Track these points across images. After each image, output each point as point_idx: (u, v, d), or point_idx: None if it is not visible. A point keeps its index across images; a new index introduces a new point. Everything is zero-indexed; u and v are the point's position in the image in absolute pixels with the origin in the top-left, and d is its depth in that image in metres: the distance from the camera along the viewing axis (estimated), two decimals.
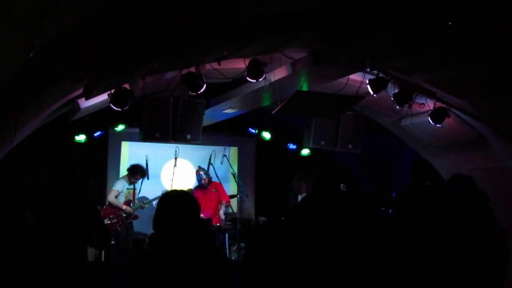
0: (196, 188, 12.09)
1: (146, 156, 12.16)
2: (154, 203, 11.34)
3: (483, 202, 5.71)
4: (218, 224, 11.69)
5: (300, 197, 10.58)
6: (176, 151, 12.18)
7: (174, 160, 12.14)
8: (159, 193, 11.77)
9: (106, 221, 10.78)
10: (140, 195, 11.82)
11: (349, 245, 5.18)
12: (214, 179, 12.30)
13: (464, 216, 5.49)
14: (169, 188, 11.85)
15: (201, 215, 10.78)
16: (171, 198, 4.08)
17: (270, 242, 5.07)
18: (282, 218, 5.58)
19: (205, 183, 11.98)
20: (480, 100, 9.01)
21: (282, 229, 5.12)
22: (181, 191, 4.23)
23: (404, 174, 13.38)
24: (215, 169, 12.33)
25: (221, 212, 11.95)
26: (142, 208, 11.60)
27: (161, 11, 5.40)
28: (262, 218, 12.18)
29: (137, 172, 11.46)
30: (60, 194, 5.62)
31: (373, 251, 5.19)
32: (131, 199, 11.41)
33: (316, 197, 5.66)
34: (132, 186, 11.47)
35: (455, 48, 7.20)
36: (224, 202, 11.93)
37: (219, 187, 12.22)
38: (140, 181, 11.63)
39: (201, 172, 11.98)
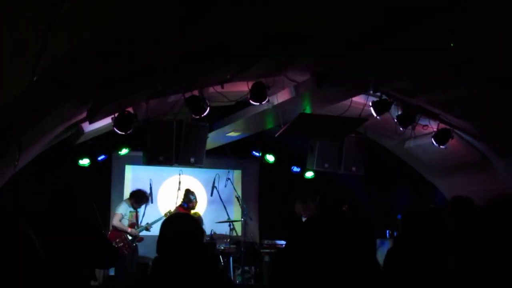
0: (181, 208, 11.77)
1: (150, 179, 12.15)
2: (158, 224, 11.29)
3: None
4: (222, 247, 11.65)
5: (304, 220, 10.56)
6: (180, 174, 12.22)
7: (171, 178, 12.08)
8: (162, 214, 11.81)
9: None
10: (144, 217, 11.77)
11: (356, 267, 5.14)
12: (218, 202, 12.28)
13: (466, 239, 5.46)
14: (172, 210, 11.80)
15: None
16: (174, 221, 4.07)
17: (291, 266, 5.04)
18: (290, 241, 5.55)
19: (193, 206, 11.85)
20: (483, 121, 9.02)
21: (295, 253, 5.08)
22: (185, 214, 4.23)
23: (406, 196, 13.45)
24: (219, 192, 12.30)
25: None
26: (147, 229, 11.56)
27: (164, 34, 5.43)
28: (266, 241, 12.14)
29: (141, 198, 11.42)
30: (61, 218, 5.60)
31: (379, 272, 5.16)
32: (135, 221, 11.39)
33: (320, 218, 5.64)
34: (134, 209, 11.45)
35: (458, 69, 7.22)
36: None
37: None
38: (145, 204, 11.63)
39: (193, 196, 11.85)
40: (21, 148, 7.18)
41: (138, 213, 11.54)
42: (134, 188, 11.89)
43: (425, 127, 10.02)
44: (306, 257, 5.05)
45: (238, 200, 12.69)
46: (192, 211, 12.01)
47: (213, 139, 11.08)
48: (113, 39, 5.02)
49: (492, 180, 10.23)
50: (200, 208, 12.41)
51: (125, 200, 11.65)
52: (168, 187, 13.53)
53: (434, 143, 9.87)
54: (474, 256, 5.21)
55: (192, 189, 12.03)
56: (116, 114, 8.53)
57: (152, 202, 11.98)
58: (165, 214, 11.72)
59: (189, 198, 11.73)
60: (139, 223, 11.48)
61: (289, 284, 4.94)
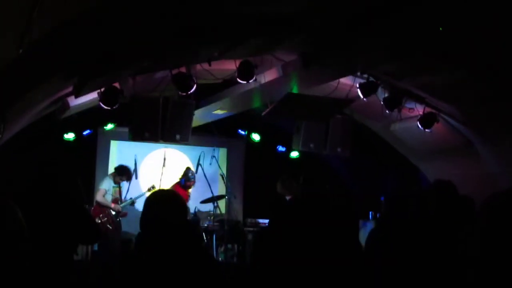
0: (177, 185, 11.90)
1: (135, 155, 12.15)
2: (143, 199, 11.32)
3: (467, 208, 5.73)
4: (206, 225, 11.69)
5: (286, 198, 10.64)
6: (165, 152, 12.23)
7: (155, 152, 12.45)
8: (144, 189, 11.88)
9: (97, 221, 10.75)
10: (129, 192, 11.78)
11: (338, 248, 5.17)
12: (203, 179, 12.28)
13: (446, 223, 5.51)
14: (157, 185, 11.82)
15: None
16: (158, 198, 4.06)
17: (273, 246, 5.06)
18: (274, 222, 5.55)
19: (190, 185, 11.89)
20: (469, 106, 9.06)
21: (278, 234, 5.10)
22: (169, 191, 4.21)
23: (393, 178, 13.51)
24: (204, 169, 12.31)
25: None
26: (132, 204, 11.60)
27: (151, 10, 5.40)
28: (250, 220, 12.19)
29: (124, 173, 11.44)
30: (44, 192, 5.60)
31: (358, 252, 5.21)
32: (118, 197, 11.40)
33: (303, 199, 5.66)
34: (117, 185, 11.46)
35: (445, 53, 7.24)
36: None
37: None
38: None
39: (191, 174, 11.88)
40: (6, 122, 7.14)
41: (122, 189, 11.55)
42: (119, 164, 11.90)
43: (411, 110, 10.05)
44: (288, 237, 5.08)
45: (222, 178, 12.72)
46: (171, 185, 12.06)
47: (199, 117, 11.05)
48: (100, 15, 4.98)
49: (475, 165, 10.30)
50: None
51: (109, 176, 11.66)
52: (151, 162, 13.52)
53: (420, 126, 9.91)
54: (456, 238, 5.26)
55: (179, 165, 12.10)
56: (102, 89, 8.49)
57: (136, 178, 11.99)
58: (149, 189, 11.76)
59: (188, 176, 11.77)
60: (122, 198, 11.50)
61: (271, 264, 4.97)
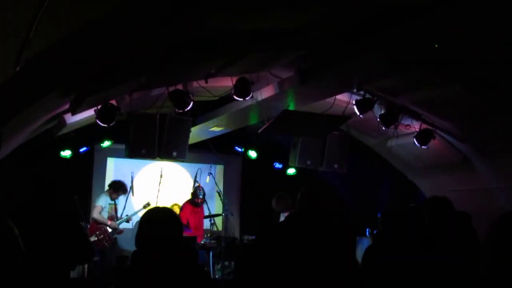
0: (188, 203, 11.98)
1: (132, 172, 12.14)
2: (139, 215, 11.32)
3: (464, 224, 5.73)
4: (202, 242, 11.65)
5: (282, 215, 10.65)
6: (161, 169, 12.22)
7: (149, 166, 12.47)
8: (140, 205, 11.84)
9: (93, 238, 10.76)
10: (125, 209, 11.77)
11: (333, 265, 5.15)
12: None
13: (443, 239, 5.51)
14: (153, 202, 11.81)
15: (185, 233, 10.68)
16: (153, 216, 4.05)
17: (257, 260, 5.03)
18: (267, 236, 5.51)
19: (199, 203, 11.88)
20: (465, 122, 9.08)
21: (268, 247, 5.08)
22: (164, 209, 4.19)
23: (388, 194, 13.51)
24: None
25: None
26: (127, 221, 11.58)
27: (148, 26, 5.42)
28: (247, 237, 12.16)
29: (119, 188, 11.45)
30: (41, 210, 5.58)
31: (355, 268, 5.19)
32: (114, 214, 11.39)
33: (301, 215, 5.65)
34: (113, 201, 11.45)
35: (441, 69, 7.26)
36: None
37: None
38: (126, 196, 11.63)
39: (201, 191, 11.88)
40: (2, 139, 7.13)
41: (117, 206, 11.54)
42: (111, 180, 11.93)
43: (407, 127, 10.06)
44: (283, 253, 5.06)
45: (219, 195, 12.70)
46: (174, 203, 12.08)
47: (196, 134, 11.07)
48: (98, 31, 4.99)
49: (472, 180, 10.30)
50: (185, 198, 12.34)
51: (104, 192, 11.66)
52: (146, 177, 13.49)
53: (416, 143, 9.92)
54: (454, 255, 5.24)
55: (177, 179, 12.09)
56: (99, 106, 8.49)
57: (133, 195, 11.98)
58: (144, 206, 11.74)
59: (196, 194, 11.77)
60: (118, 215, 11.48)
61: (262, 280, 4.94)
